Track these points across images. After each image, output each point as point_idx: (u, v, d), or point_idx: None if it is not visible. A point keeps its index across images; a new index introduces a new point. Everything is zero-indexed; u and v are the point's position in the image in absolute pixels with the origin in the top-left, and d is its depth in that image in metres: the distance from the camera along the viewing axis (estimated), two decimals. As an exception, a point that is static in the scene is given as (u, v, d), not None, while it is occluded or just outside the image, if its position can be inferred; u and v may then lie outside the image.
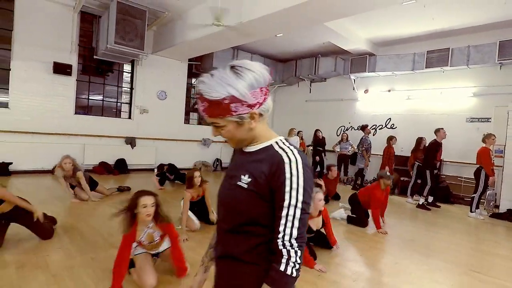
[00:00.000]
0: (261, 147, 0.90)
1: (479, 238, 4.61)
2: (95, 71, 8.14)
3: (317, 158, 8.82)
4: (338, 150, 8.57)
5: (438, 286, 2.83)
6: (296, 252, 0.80)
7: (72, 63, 7.31)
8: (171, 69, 9.12)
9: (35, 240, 3.24)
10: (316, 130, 8.83)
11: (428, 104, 8.02)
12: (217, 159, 10.28)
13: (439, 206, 6.31)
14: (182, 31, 7.40)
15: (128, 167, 8.26)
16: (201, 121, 10.60)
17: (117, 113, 8.63)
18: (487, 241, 4.49)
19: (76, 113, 7.69)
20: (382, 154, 7.47)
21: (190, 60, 9.38)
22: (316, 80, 10.32)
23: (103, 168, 7.78)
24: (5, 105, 6.77)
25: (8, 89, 6.75)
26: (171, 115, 9.26)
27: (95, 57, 7.45)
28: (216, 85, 0.81)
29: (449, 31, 7.33)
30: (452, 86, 7.62)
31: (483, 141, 5.72)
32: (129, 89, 8.68)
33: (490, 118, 7.01)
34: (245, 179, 0.86)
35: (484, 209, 6.04)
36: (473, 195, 5.73)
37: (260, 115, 0.87)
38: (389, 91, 8.72)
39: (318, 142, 8.94)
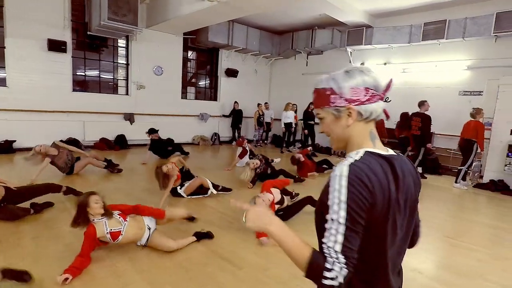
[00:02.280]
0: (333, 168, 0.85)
1: (461, 206, 4.94)
2: (90, 47, 8.09)
3: (306, 131, 9.10)
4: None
5: (409, 250, 3.14)
6: (342, 268, 0.76)
7: (66, 40, 7.26)
8: (166, 44, 9.04)
9: (48, 214, 3.53)
10: (310, 104, 8.95)
11: (423, 77, 8.08)
12: (215, 133, 10.47)
13: (425, 177, 6.61)
14: (175, 5, 7.27)
15: (128, 143, 8.48)
16: (198, 96, 10.69)
17: (114, 90, 8.69)
18: (467, 209, 4.83)
19: (73, 90, 7.77)
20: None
21: (185, 34, 9.25)
22: (313, 53, 10.25)
23: (104, 144, 8.00)
24: (3, 83, 6.84)
25: (4, 68, 6.79)
26: (168, 91, 9.32)
27: (89, 33, 7.39)
28: (325, 79, 0.90)
29: (447, 1, 7.21)
30: (447, 59, 7.64)
31: (473, 116, 5.90)
32: (125, 64, 8.66)
33: (482, 92, 7.12)
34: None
35: (469, 180, 6.35)
36: (461, 167, 6.00)
37: (360, 114, 0.87)
38: (385, 64, 8.73)
39: (308, 116, 9.12)
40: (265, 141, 10.94)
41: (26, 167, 5.45)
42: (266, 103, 10.97)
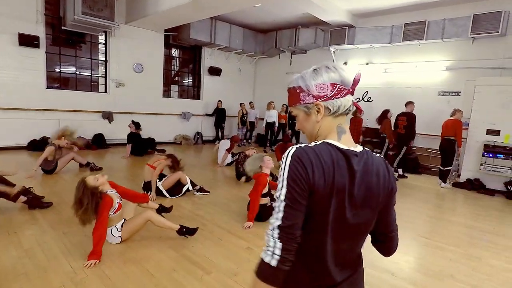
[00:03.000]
0: None
1: (437, 205, 4.99)
2: (66, 42, 7.79)
3: (289, 132, 9.10)
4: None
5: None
6: (277, 243, 0.79)
7: (39, 34, 6.96)
8: (146, 41, 8.81)
9: (8, 216, 3.34)
10: (283, 104, 8.94)
11: (404, 78, 8.18)
12: (198, 133, 10.31)
13: (406, 177, 6.68)
14: (154, 0, 7.08)
15: (107, 142, 8.23)
16: (182, 94, 10.50)
17: (92, 87, 8.41)
18: (444, 208, 4.89)
19: (48, 87, 7.46)
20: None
21: (166, 31, 9.05)
22: (297, 52, 10.23)
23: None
24: (-30, 79, 6.50)
25: (-29, 62, 6.45)
26: (149, 89, 9.10)
27: (63, 28, 7.10)
28: (295, 79, 0.95)
29: (427, 2, 7.30)
30: (426, 59, 7.74)
31: (453, 114, 6.02)
32: (103, 61, 8.39)
33: (460, 92, 7.25)
34: None
35: (448, 179, 6.45)
36: (447, 168, 6.10)
37: (328, 109, 0.89)
38: (367, 64, 8.78)
39: (292, 116, 9.09)
40: (249, 140, 10.85)
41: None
42: (250, 102, 10.90)
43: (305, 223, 0.83)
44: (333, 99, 0.88)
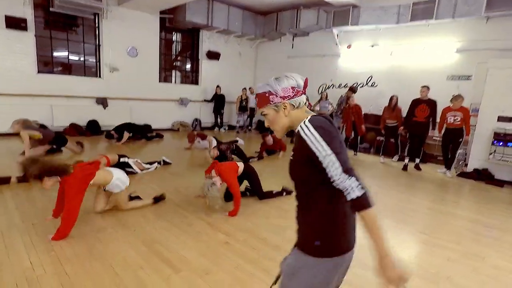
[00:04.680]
0: (296, 130, 1.13)
1: (440, 197, 4.67)
2: (57, 25, 7.51)
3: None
4: (318, 109, 8.37)
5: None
6: (350, 180, 0.99)
7: (26, 17, 6.69)
8: (141, 23, 8.46)
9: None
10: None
11: (411, 60, 7.69)
12: (196, 119, 10.06)
13: (420, 169, 6.23)
14: (146, -22, 6.71)
15: (102, 129, 8.04)
16: (182, 80, 10.21)
17: (85, 72, 8.16)
18: (447, 200, 4.57)
19: (39, 71, 7.24)
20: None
21: (162, 13, 8.67)
22: (299, 35, 9.74)
23: (74, 129, 7.57)
24: (-44, 63, 6.32)
25: (-43, 46, 6.25)
26: (144, 74, 8.81)
27: (51, 9, 6.81)
28: (262, 86, 1.21)
29: (437, -22, 6.74)
30: (435, 41, 7.23)
31: (455, 101, 5.61)
32: (95, 45, 8.10)
33: (471, 76, 6.77)
34: (291, 155, 1.18)
35: (454, 168, 6.09)
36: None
37: (292, 106, 1.17)
38: (372, 46, 8.30)
39: None
40: (249, 127, 10.56)
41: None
42: (250, 87, 10.54)
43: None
44: (294, 98, 1.17)
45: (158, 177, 4.65)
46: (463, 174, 5.90)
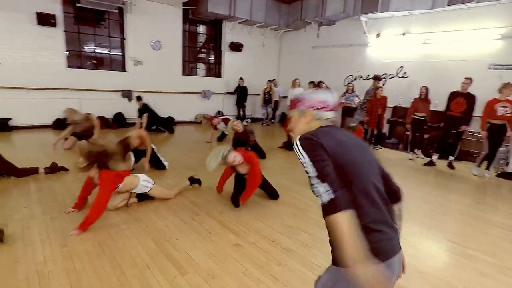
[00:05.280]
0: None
1: (475, 200, 4.27)
2: (85, 20, 7.73)
3: None
4: (344, 101, 8.00)
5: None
6: (322, 185, 1.03)
7: (55, 13, 6.92)
8: (164, 16, 8.50)
9: (5, 198, 3.33)
10: (319, 82, 8.18)
11: (446, 49, 7.06)
12: (219, 112, 10.03)
13: (454, 168, 5.77)
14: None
15: (127, 121, 8.26)
16: (200, 72, 10.20)
17: (111, 66, 8.37)
18: (482, 204, 4.16)
19: (68, 66, 7.52)
20: (389, 106, 6.92)
21: (184, 4, 8.64)
22: (324, 24, 9.32)
23: (101, 122, 7.77)
24: (-5, 60, 6.69)
25: (-6, 43, 6.61)
26: (168, 66, 8.88)
27: (77, 5, 6.98)
28: (301, 94, 1.35)
29: (481, -44, 6.07)
30: (476, 27, 6.56)
31: (502, 91, 5.05)
32: (119, 39, 8.25)
33: (517, 65, 6.10)
34: None
35: (493, 167, 5.56)
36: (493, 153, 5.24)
37: (313, 116, 1.26)
38: (403, 34, 7.73)
39: None
40: (272, 120, 10.39)
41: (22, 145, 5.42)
42: (274, 79, 10.33)
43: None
44: (319, 110, 1.26)
45: (174, 172, 4.66)
46: (503, 175, 5.37)
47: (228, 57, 10.11)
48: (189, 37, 9.72)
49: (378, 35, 8.21)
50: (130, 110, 8.29)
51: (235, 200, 3.37)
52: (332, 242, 1.09)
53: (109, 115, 8.07)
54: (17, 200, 3.32)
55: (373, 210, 1.09)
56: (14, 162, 3.95)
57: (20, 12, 6.61)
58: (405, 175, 5.27)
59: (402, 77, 7.89)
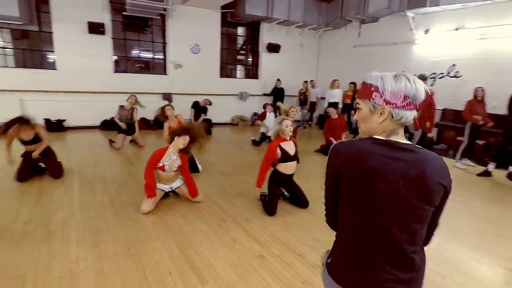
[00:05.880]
0: None
1: (539, 218, 3.71)
2: (130, 27, 8.20)
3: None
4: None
5: (446, 284, 2.35)
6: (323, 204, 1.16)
7: (104, 22, 7.43)
8: (203, 20, 8.70)
9: (51, 196, 3.61)
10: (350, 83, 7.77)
11: (507, 45, 6.27)
12: (255, 113, 10.04)
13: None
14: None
15: (167, 123, 8.59)
16: (237, 74, 10.28)
17: (154, 69, 8.79)
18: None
19: (115, 71, 8.04)
20: (438, 109, 6.32)
21: (223, 7, 8.77)
22: (367, 21, 8.85)
23: (143, 123, 8.24)
24: (53, 67, 7.38)
25: (53, 52, 7.28)
26: (206, 69, 9.09)
27: (123, 13, 7.43)
28: (374, 76, 0.99)
29: None
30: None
31: None
32: (161, 43, 8.62)
33: None
34: None
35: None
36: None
37: (391, 116, 0.96)
38: (456, 29, 7.02)
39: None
40: (309, 122, 10.13)
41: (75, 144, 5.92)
42: (312, 80, 10.07)
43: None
44: (400, 109, 0.95)
45: (207, 175, 4.71)
46: None
47: (265, 58, 10.06)
48: (227, 40, 9.85)
49: (426, 31, 7.57)
50: (170, 112, 8.62)
51: (271, 210, 3.33)
52: None
53: (150, 116, 8.45)
54: (62, 198, 3.59)
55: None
56: (64, 161, 4.31)
57: (75, 22, 7.21)
58: (454, 186, 4.76)
59: (454, 76, 7.17)
